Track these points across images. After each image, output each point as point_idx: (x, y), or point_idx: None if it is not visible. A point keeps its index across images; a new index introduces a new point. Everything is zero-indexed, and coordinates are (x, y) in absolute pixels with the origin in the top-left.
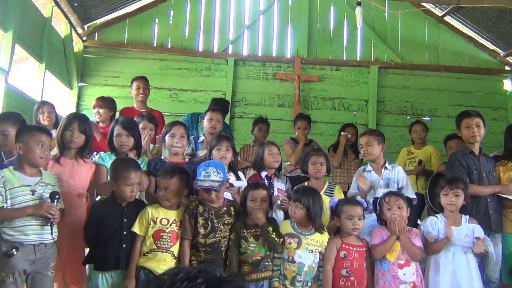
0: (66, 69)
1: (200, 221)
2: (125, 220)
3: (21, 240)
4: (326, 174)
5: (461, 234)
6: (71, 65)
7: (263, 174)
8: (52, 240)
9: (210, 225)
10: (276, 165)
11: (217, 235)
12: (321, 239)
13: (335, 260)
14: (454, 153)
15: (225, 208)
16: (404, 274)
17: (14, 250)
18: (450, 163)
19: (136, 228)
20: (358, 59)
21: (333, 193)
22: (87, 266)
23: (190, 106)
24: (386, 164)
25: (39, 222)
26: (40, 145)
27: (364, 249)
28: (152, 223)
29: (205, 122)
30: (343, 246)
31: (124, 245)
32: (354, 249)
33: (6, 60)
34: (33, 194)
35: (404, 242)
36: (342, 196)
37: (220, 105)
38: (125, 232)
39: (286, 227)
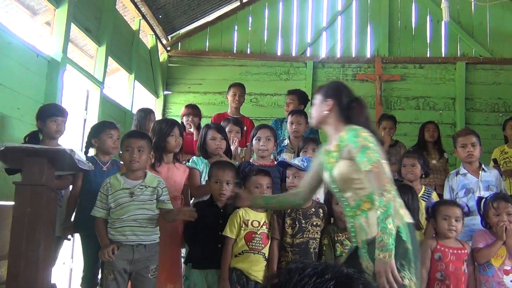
0: (153, 79)
1: (288, 221)
2: (221, 221)
3: (120, 240)
4: (424, 176)
5: None
6: (157, 74)
7: None
8: (153, 242)
9: (297, 225)
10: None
11: (304, 235)
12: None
13: (430, 262)
14: None
15: (313, 209)
16: (511, 281)
17: (113, 250)
18: None
19: (227, 232)
20: (443, 56)
21: (430, 199)
22: (182, 265)
23: (270, 110)
24: (483, 166)
25: (137, 224)
26: (127, 150)
27: (463, 251)
28: (243, 225)
29: (288, 126)
30: (438, 247)
31: (219, 245)
32: (451, 251)
33: (101, 72)
34: (131, 196)
35: (510, 247)
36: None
37: (296, 94)
38: (220, 233)
39: None
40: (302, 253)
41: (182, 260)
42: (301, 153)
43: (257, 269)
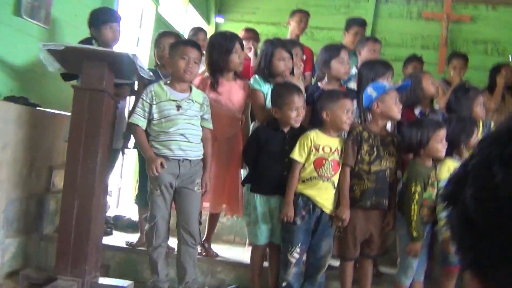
0: (206, 3)
1: (365, 147)
2: (288, 147)
3: (167, 154)
4: None
5: None
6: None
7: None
8: (198, 158)
9: (375, 152)
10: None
11: (382, 163)
12: None
13: None
14: None
15: (390, 138)
16: None
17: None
18: None
19: (295, 155)
20: None
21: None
22: (244, 190)
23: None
24: None
25: (185, 139)
26: (183, 59)
27: None
28: (314, 150)
29: (366, 53)
30: None
31: (285, 173)
32: None
33: None
34: (178, 110)
35: None
36: None
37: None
38: (286, 160)
39: (449, 163)
40: (380, 181)
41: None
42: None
43: (325, 197)
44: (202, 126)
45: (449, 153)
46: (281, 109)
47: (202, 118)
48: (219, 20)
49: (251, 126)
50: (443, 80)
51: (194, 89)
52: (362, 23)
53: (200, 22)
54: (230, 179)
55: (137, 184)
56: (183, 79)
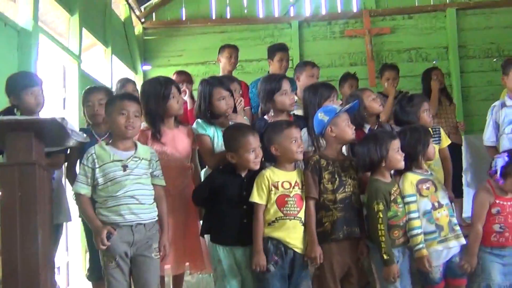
0: (130, 53)
1: (326, 175)
2: (245, 193)
3: (117, 220)
4: None
5: None
6: (134, 48)
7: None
8: (152, 220)
9: (337, 179)
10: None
11: (346, 189)
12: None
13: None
14: None
15: (348, 161)
16: None
17: (109, 233)
18: None
19: (255, 197)
20: (432, 3)
21: (440, 139)
22: (206, 242)
23: (258, 76)
24: None
25: (135, 201)
26: (123, 114)
27: None
28: (273, 188)
29: (305, 79)
30: (497, 202)
31: (245, 220)
32: (509, 203)
33: (76, 44)
34: (124, 170)
35: None
36: (449, 140)
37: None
38: (245, 207)
39: (411, 177)
40: (347, 209)
41: None
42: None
43: (295, 237)
44: (153, 184)
45: (408, 167)
46: (237, 152)
47: (152, 176)
48: (146, 67)
49: (202, 173)
50: (378, 93)
51: (139, 145)
52: (283, 47)
53: (127, 73)
54: (190, 234)
55: (88, 257)
56: (125, 136)
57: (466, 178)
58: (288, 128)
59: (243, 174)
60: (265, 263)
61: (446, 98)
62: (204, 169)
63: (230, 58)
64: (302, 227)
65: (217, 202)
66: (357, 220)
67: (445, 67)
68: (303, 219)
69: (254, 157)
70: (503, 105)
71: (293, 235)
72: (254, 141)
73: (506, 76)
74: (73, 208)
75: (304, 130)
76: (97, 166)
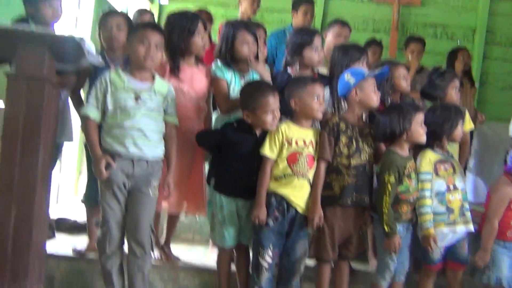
0: None
1: (343, 139)
2: (258, 152)
3: (119, 151)
4: None
5: None
6: None
7: None
8: (156, 158)
9: (354, 145)
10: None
11: (362, 156)
12: None
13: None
14: None
15: (367, 129)
16: None
17: (108, 164)
18: None
19: (266, 150)
20: None
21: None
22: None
23: (277, 28)
24: None
25: (141, 135)
26: (143, 43)
27: None
28: (286, 144)
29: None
30: None
31: (255, 178)
32: None
33: None
34: (136, 100)
35: None
36: (472, 124)
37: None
38: (256, 164)
39: (430, 155)
40: (360, 177)
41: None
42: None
43: (300, 196)
44: (165, 122)
45: (430, 144)
46: (254, 112)
47: (165, 112)
48: (163, 1)
49: (214, 117)
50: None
51: (158, 78)
52: (309, 0)
53: (143, 3)
54: (194, 175)
55: (86, 181)
56: (143, 67)
57: (469, 163)
58: (312, 84)
59: (258, 132)
60: (265, 217)
61: (468, 81)
62: (216, 115)
63: (253, 3)
64: (309, 188)
65: (228, 158)
66: (367, 189)
67: (469, 49)
68: (311, 179)
69: (271, 119)
70: None
71: (298, 193)
72: (273, 102)
73: None
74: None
75: (327, 89)
76: (109, 91)
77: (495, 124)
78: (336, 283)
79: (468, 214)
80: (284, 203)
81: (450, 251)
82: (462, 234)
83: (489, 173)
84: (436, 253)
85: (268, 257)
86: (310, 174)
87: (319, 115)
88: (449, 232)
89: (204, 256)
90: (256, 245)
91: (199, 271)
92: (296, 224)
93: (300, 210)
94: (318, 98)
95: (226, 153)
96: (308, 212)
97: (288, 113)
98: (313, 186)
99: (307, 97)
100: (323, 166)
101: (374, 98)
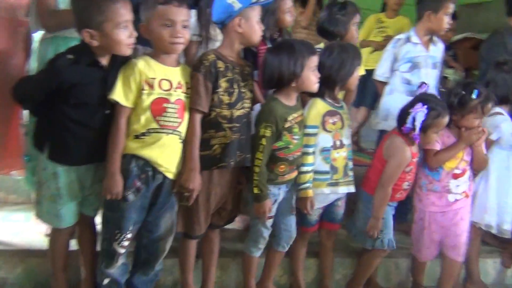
0: None
1: (223, 83)
2: (109, 91)
3: None
4: None
5: None
6: None
7: None
8: None
9: (236, 90)
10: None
11: (245, 105)
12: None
13: None
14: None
15: (248, 69)
16: (457, 186)
17: None
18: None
19: (117, 95)
20: None
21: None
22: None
23: None
24: (434, 38)
25: None
26: (167, 25)
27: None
28: (146, 87)
29: None
30: (412, 160)
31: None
32: (416, 159)
33: None
34: None
35: (478, 153)
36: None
37: None
38: (108, 111)
39: (320, 106)
40: (243, 131)
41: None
42: None
43: (169, 157)
44: None
45: (321, 93)
46: (101, 29)
47: None
48: None
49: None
50: None
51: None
52: None
53: None
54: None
55: None
56: (173, 51)
57: None
58: (164, 4)
59: (104, 63)
60: (121, 189)
61: (320, 10)
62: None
63: None
64: (181, 145)
65: (66, 108)
66: (250, 147)
67: None
68: (183, 134)
69: (127, 36)
70: (407, 40)
71: (167, 154)
72: (126, 11)
73: (435, 14)
74: None
75: (194, 12)
76: None
77: None
78: (205, 258)
79: (351, 174)
80: (149, 170)
81: (327, 211)
82: (342, 194)
83: None
84: (314, 214)
85: (126, 242)
86: (182, 128)
87: (176, 49)
88: (330, 193)
89: (26, 230)
90: (109, 227)
91: (23, 256)
92: (163, 194)
93: (169, 176)
94: (174, 25)
95: (62, 104)
96: (183, 180)
97: (146, 43)
98: (187, 145)
99: (156, 22)
100: (198, 118)
101: (258, 32)
